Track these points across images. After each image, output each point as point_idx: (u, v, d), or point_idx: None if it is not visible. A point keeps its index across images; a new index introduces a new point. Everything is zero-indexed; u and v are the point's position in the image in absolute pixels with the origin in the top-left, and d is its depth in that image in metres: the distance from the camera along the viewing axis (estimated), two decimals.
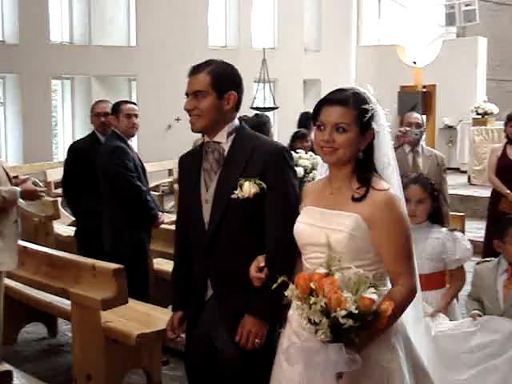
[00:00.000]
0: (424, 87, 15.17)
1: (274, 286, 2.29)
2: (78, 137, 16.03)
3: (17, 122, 14.78)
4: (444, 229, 3.95)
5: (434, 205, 3.91)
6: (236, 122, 2.88)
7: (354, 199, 2.37)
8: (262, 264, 2.60)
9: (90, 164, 5.19)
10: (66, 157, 5.87)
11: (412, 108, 11.21)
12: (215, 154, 2.83)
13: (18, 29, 14.71)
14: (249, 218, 2.74)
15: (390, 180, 2.46)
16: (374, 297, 2.18)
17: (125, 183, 4.94)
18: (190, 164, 2.93)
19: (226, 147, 2.82)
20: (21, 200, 4.09)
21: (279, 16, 17.83)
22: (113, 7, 16.13)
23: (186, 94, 2.82)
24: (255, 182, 2.67)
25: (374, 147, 2.45)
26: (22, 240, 4.67)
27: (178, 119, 14.28)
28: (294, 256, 2.62)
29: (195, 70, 2.82)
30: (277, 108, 15.55)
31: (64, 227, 7.74)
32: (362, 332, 2.16)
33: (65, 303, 4.52)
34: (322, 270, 2.24)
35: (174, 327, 2.95)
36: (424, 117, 6.19)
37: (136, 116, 5.18)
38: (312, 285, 2.18)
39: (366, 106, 2.39)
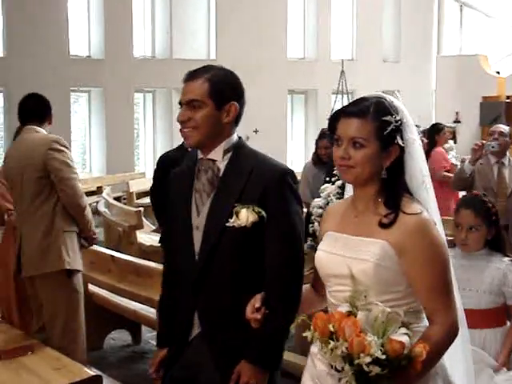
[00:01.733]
0: (508, 97, 14.77)
1: (292, 326, 2.09)
2: (159, 148, 16.58)
3: (101, 134, 15.27)
4: (507, 258, 3.39)
5: (491, 231, 3.35)
6: (235, 137, 2.50)
7: (382, 225, 2.04)
8: (258, 304, 2.20)
9: None
10: (155, 167, 5.99)
11: (495, 119, 10.95)
12: (208, 174, 2.45)
13: (104, 44, 15.25)
14: (245, 249, 2.38)
15: (424, 202, 2.12)
16: (405, 339, 1.87)
17: None
18: (181, 181, 2.55)
19: (222, 166, 2.44)
20: (106, 210, 4.26)
21: (358, 27, 17.78)
22: (193, 21, 16.47)
23: (180, 104, 2.46)
24: (253, 210, 2.31)
25: (405, 164, 2.10)
26: (107, 248, 4.84)
27: (256, 131, 14.44)
28: (298, 295, 2.34)
29: (191, 76, 2.44)
30: None
31: (147, 237, 7.93)
32: (392, 381, 1.86)
33: (150, 311, 4.63)
34: (345, 308, 1.97)
35: (157, 366, 2.60)
36: (508, 128, 6.01)
37: None
38: (331, 327, 1.90)
39: (387, 118, 2.04)
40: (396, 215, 2.03)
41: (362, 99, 2.11)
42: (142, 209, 8.11)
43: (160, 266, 4.63)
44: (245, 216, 2.30)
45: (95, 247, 4.70)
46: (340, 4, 17.96)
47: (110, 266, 4.88)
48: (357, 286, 1.99)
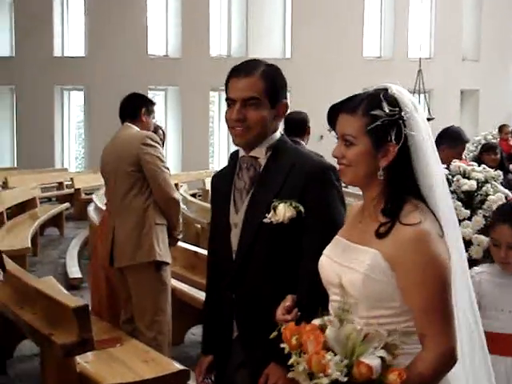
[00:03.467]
0: None
1: (273, 335, 1.88)
2: (233, 146, 16.60)
3: (177, 132, 15.52)
4: None
5: None
6: (278, 134, 2.38)
7: (377, 234, 1.82)
8: (288, 303, 2.07)
9: None
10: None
11: None
12: (251, 172, 2.36)
13: (181, 44, 15.50)
14: (282, 247, 2.27)
15: (436, 209, 1.86)
16: (376, 362, 1.64)
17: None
18: (222, 183, 2.47)
19: (263, 163, 2.35)
20: (184, 207, 4.33)
21: (436, 25, 17.44)
22: (269, 20, 16.54)
23: (228, 100, 2.32)
24: (291, 205, 2.20)
25: (414, 165, 1.86)
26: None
27: (330, 130, 14.33)
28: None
29: (245, 72, 2.29)
30: (432, 119, 15.14)
31: None
32: None
33: None
34: (318, 321, 1.78)
35: (203, 372, 2.50)
36: None
37: None
38: (294, 339, 1.73)
39: (376, 112, 1.82)
40: (392, 225, 1.80)
41: (360, 93, 1.93)
42: None
43: None
44: (282, 211, 2.19)
45: (178, 243, 4.75)
46: (418, 0, 17.65)
47: (193, 262, 4.92)
48: (347, 297, 1.80)
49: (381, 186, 1.87)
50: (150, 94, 15.35)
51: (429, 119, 14.95)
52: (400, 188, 1.84)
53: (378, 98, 1.84)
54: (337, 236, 1.99)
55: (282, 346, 1.78)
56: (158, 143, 4.30)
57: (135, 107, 4.43)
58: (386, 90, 1.87)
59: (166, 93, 16.00)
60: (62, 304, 3.48)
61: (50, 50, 15.54)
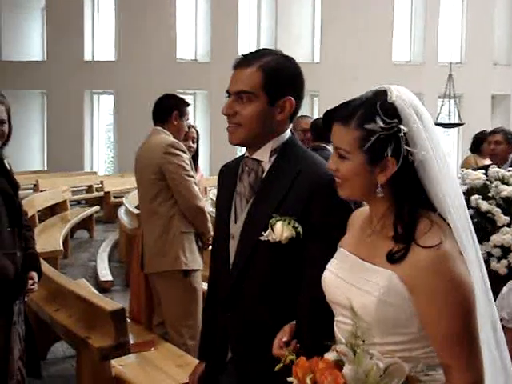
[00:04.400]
0: None
1: (277, 367, 1.76)
2: None
3: (205, 136, 15.55)
4: None
5: None
6: (286, 135, 2.13)
7: (390, 259, 1.62)
8: (285, 339, 1.88)
9: None
10: None
11: None
12: (251, 176, 2.13)
13: (210, 48, 15.55)
14: (281, 267, 2.03)
15: (454, 229, 1.64)
16: None
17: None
18: (227, 180, 2.26)
19: (267, 168, 2.11)
20: (214, 211, 4.30)
21: (467, 29, 17.26)
22: (298, 24, 16.53)
23: (228, 93, 2.10)
24: (289, 223, 1.96)
25: (421, 177, 1.65)
26: None
27: None
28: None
29: (243, 63, 2.07)
30: (462, 124, 15.00)
31: None
32: None
33: None
34: (333, 355, 1.61)
35: (196, 381, 2.36)
36: None
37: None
38: (308, 380, 1.58)
39: (370, 126, 1.62)
40: (407, 247, 1.61)
41: (356, 99, 1.70)
42: None
43: None
44: (279, 230, 1.95)
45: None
46: (449, 4, 17.50)
47: None
48: (358, 321, 1.61)
49: (389, 200, 1.68)
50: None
51: (459, 124, 14.82)
52: (410, 203, 1.65)
53: (375, 107, 1.63)
54: (342, 249, 1.79)
55: (290, 379, 1.65)
56: (183, 150, 4.22)
57: (166, 110, 4.35)
58: (385, 95, 1.65)
59: (194, 97, 16.06)
60: (98, 307, 3.49)
61: (81, 55, 15.70)
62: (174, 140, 4.27)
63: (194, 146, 4.77)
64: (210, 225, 4.40)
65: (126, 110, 15.29)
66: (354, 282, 1.67)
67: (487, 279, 1.73)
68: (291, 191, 2.00)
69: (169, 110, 4.34)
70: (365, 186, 1.68)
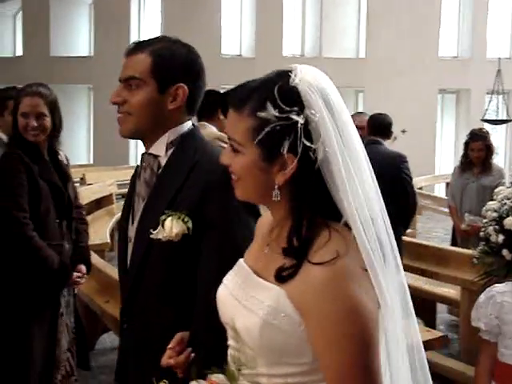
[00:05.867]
0: None
1: None
2: None
3: None
4: None
5: None
6: (186, 127, 1.95)
7: (279, 278, 1.33)
8: (171, 346, 1.63)
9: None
10: None
11: None
12: (147, 173, 1.96)
13: (255, 43, 15.55)
14: (178, 270, 1.83)
15: (359, 241, 1.32)
16: None
17: (407, 189, 5.00)
18: (132, 180, 2.06)
19: (164, 163, 1.94)
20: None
21: None
22: (344, 19, 16.39)
23: (120, 81, 1.94)
24: (180, 218, 1.77)
25: (327, 180, 1.33)
26: None
27: (403, 131, 14.11)
28: None
29: (135, 48, 1.93)
30: (510, 121, 14.70)
31: None
32: None
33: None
34: (212, 382, 1.42)
35: None
36: None
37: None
38: None
39: (263, 114, 1.32)
40: (298, 263, 1.30)
41: (255, 80, 1.41)
42: None
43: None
44: (169, 227, 1.77)
45: None
46: None
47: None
48: (243, 346, 1.36)
49: (287, 206, 1.37)
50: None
51: (507, 121, 14.52)
52: (310, 211, 1.33)
53: (272, 91, 1.32)
54: (241, 260, 1.50)
55: None
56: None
57: (212, 105, 4.36)
58: (288, 76, 1.34)
59: None
60: None
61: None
62: (222, 133, 4.26)
63: None
64: None
65: None
66: (243, 299, 1.39)
67: (409, 298, 1.44)
68: (186, 185, 1.82)
69: (215, 105, 4.34)
70: (260, 186, 1.38)
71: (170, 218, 1.77)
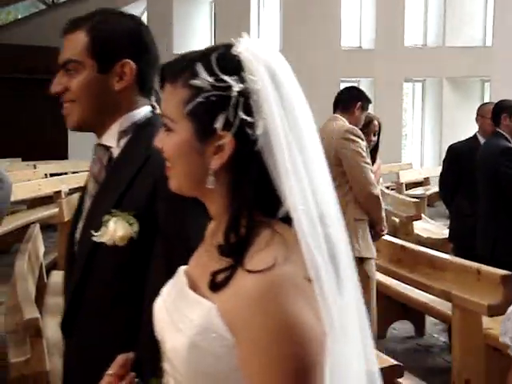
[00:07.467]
0: None
1: None
2: (427, 140, 16.27)
3: None
4: None
5: None
6: (140, 113, 1.71)
7: (212, 286, 1.11)
8: (112, 371, 1.33)
9: (466, 165, 5.11)
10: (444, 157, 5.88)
11: None
12: (95, 168, 1.73)
13: (375, 34, 15.30)
14: (124, 279, 1.60)
15: (302, 242, 1.09)
16: None
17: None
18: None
19: (116, 155, 1.70)
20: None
21: None
22: (470, 6, 15.76)
23: (58, 67, 1.72)
24: (124, 219, 1.56)
25: (270, 172, 1.12)
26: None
27: None
28: None
29: (70, 26, 1.69)
30: None
31: (422, 228, 7.78)
32: None
33: (442, 304, 4.49)
34: None
35: None
36: None
37: None
38: None
39: (197, 82, 1.13)
40: (232, 270, 1.09)
41: (197, 50, 1.21)
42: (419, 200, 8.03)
43: (458, 260, 4.45)
44: (112, 229, 1.56)
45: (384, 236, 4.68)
46: None
47: (399, 255, 4.81)
48: (174, 370, 1.16)
49: (224, 198, 1.15)
50: (342, 86, 15.43)
51: None
52: (249, 204, 1.11)
53: (209, 58, 1.14)
54: (182, 267, 1.27)
55: None
56: (360, 137, 4.24)
57: (351, 99, 4.43)
58: (232, 45, 1.17)
59: (358, 84, 15.88)
60: None
61: None
62: (352, 126, 4.28)
63: (375, 139, 4.80)
64: (383, 214, 4.37)
65: None
66: (173, 315, 1.18)
67: (363, 311, 1.21)
68: (136, 181, 1.59)
69: (354, 100, 4.41)
70: (194, 172, 1.16)
71: (114, 219, 1.56)
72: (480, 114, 5.34)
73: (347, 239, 1.17)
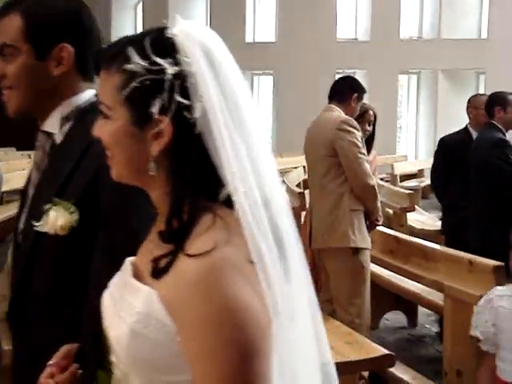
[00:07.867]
0: None
1: None
2: (422, 132, 16.29)
3: None
4: None
5: None
6: (82, 98, 1.65)
7: (154, 273, 1.09)
8: (54, 361, 1.31)
9: (458, 157, 5.12)
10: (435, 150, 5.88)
11: None
12: (37, 156, 1.69)
13: (370, 26, 15.29)
14: (67, 271, 1.55)
15: (244, 224, 1.06)
16: None
17: (506, 177, 4.72)
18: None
19: (59, 141, 1.65)
20: None
21: None
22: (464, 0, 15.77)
23: None
24: (65, 208, 1.51)
25: (211, 156, 1.09)
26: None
27: None
28: None
29: (3, 9, 1.63)
30: None
31: (415, 219, 7.79)
32: None
33: (435, 295, 4.51)
34: None
35: None
36: None
37: None
38: None
39: (131, 66, 1.10)
40: (173, 254, 1.07)
41: (131, 35, 1.19)
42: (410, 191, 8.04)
43: (451, 251, 4.46)
44: (53, 219, 1.50)
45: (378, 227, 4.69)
46: None
47: (393, 246, 4.83)
48: (118, 360, 1.15)
49: (167, 183, 1.13)
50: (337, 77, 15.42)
51: None
52: (190, 189, 1.09)
53: (144, 42, 1.11)
54: (129, 258, 1.25)
55: None
56: (355, 128, 4.23)
57: (347, 90, 4.41)
58: (166, 28, 1.14)
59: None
60: None
61: (242, 37, 16.02)
62: (348, 117, 4.27)
63: (370, 128, 4.77)
64: (379, 204, 4.38)
65: (285, 90, 15.43)
66: (117, 304, 1.16)
67: (315, 300, 1.18)
68: (78, 169, 1.54)
69: (350, 91, 4.39)
70: (134, 159, 1.14)
71: (55, 208, 1.51)
72: (473, 106, 5.33)
73: (293, 224, 1.14)
